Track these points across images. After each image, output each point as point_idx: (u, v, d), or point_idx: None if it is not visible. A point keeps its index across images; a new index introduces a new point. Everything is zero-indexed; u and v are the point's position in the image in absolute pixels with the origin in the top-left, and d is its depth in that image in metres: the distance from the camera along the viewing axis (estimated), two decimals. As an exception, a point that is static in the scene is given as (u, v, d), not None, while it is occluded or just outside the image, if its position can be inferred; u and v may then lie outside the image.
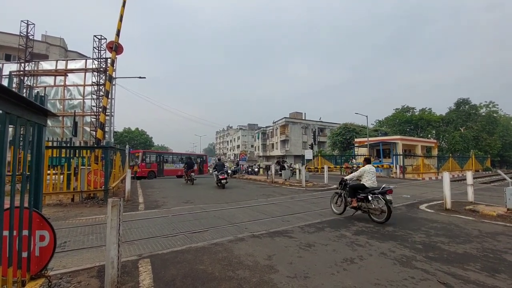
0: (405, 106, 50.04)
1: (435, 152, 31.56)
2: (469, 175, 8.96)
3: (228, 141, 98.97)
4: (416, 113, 47.81)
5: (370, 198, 6.27)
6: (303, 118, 58.45)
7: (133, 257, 3.99)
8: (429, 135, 43.67)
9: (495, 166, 40.69)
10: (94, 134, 16.67)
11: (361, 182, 6.80)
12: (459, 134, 40.70)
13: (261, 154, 64.95)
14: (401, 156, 22.26)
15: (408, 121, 45.15)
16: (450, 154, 30.93)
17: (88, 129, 20.10)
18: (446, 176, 8.08)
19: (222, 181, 13.94)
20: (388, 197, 6.18)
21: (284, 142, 55.31)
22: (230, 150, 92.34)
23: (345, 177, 7.24)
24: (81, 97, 20.58)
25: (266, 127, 66.32)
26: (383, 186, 6.45)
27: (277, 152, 56.61)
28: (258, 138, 68.61)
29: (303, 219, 6.60)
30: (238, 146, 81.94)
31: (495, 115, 46.38)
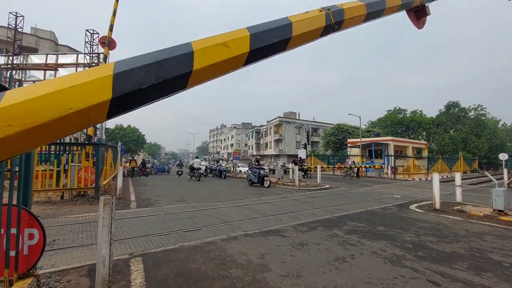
0: (397, 108, 50.79)
1: (425, 153, 32.14)
2: (457, 176, 9.16)
3: (221, 140, 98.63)
4: (408, 115, 48.60)
5: (195, 172, 17.61)
6: (297, 118, 58.68)
7: (125, 256, 3.95)
8: (420, 137, 44.44)
9: (482, 168, 41.75)
10: (85, 130, 16.38)
11: (194, 166, 17.88)
12: (449, 136, 41.55)
13: (254, 153, 64.95)
14: (393, 157, 22.59)
15: (400, 123, 45.85)
16: (440, 156, 31.55)
17: (78, 125, 19.72)
18: (436, 177, 8.25)
19: (179, 172, 22.74)
20: (200, 171, 17.72)
21: (277, 141, 55.42)
22: (223, 149, 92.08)
23: (190, 164, 20.09)
24: (72, 93, 20.14)
25: (260, 126, 66.34)
26: (204, 167, 19.27)
27: (271, 151, 56.73)
28: (252, 137, 68.59)
29: (296, 218, 6.64)
30: (232, 145, 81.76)
31: (483, 118, 47.56)
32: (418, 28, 2.22)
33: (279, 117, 56.16)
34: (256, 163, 15.08)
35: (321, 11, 1.28)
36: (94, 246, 4.30)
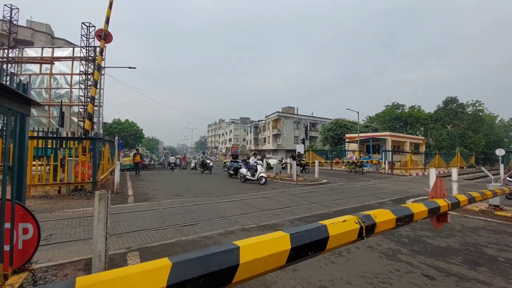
0: (395, 103, 50.75)
1: (422, 148, 32.26)
2: (454, 172, 9.19)
3: (220, 134, 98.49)
4: (406, 111, 48.62)
5: (170, 164, 26.97)
6: (295, 113, 58.57)
7: (122, 250, 3.95)
8: (418, 132, 44.53)
9: (479, 163, 41.93)
10: (82, 124, 16.27)
11: (170, 161, 28.04)
12: (446, 132, 41.67)
13: (253, 147, 64.95)
14: (390, 152, 22.65)
15: (398, 118, 45.87)
16: (437, 151, 31.69)
17: (75, 119, 19.56)
18: (433, 172, 8.27)
19: (171, 164, 26.12)
20: (173, 164, 26.87)
21: (276, 136, 55.40)
22: (222, 144, 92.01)
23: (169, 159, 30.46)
24: (69, 87, 19.93)
25: (259, 121, 66.19)
26: (178, 161, 30.81)
27: (269, 146, 56.73)
28: (250, 132, 68.48)
29: (293, 212, 6.67)
30: (230, 140, 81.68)
31: (480, 114, 47.59)
32: (436, 229, 2.38)
33: (277, 112, 56.02)
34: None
35: (356, 222, 1.31)
36: (91, 240, 4.30)
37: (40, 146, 9.04)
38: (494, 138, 49.17)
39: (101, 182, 10.10)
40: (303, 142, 22.92)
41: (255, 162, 13.73)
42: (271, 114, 57.92)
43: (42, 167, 8.74)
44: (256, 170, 12.85)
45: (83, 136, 10.22)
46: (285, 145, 52.81)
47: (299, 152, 21.05)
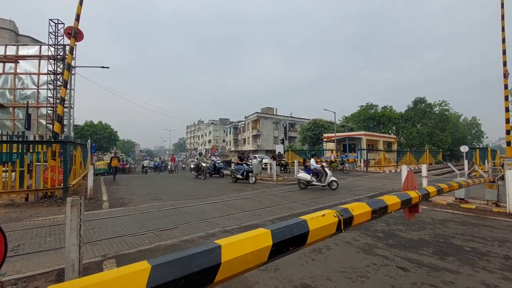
0: (369, 104, 52.87)
1: (395, 147, 33.87)
2: (424, 168, 9.75)
3: (199, 136, 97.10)
4: (379, 110, 50.82)
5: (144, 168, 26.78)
6: (275, 114, 59.12)
7: (97, 258, 3.78)
8: (390, 131, 46.70)
9: (446, 160, 44.81)
10: (51, 127, 15.34)
11: (144, 164, 28.03)
12: (416, 130, 44.09)
13: (233, 149, 64.70)
14: (365, 151, 23.56)
15: (371, 118, 47.80)
16: (408, 149, 33.43)
17: (43, 122, 18.40)
18: (404, 169, 8.74)
19: (144, 168, 26.34)
20: (147, 167, 27.10)
21: (255, 137, 55.57)
22: (201, 145, 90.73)
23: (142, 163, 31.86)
24: (36, 87, 18.72)
25: (238, 122, 66.05)
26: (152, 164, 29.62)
27: (249, 147, 56.78)
28: (230, 133, 68.16)
29: (274, 212, 6.73)
30: (210, 141, 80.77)
31: (446, 113, 50.86)
32: (409, 219, 2.52)
33: (256, 112, 56.25)
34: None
35: (335, 216, 1.35)
36: (63, 249, 4.07)
37: (4, 150, 8.40)
38: (459, 135, 52.79)
39: (73, 187, 9.59)
40: (283, 142, 23.18)
41: (319, 165, 11.65)
42: (251, 115, 58.04)
43: (7, 174, 8.13)
44: (324, 175, 11.09)
45: (53, 140, 9.64)
46: (264, 146, 53.11)
47: (279, 152, 21.28)
